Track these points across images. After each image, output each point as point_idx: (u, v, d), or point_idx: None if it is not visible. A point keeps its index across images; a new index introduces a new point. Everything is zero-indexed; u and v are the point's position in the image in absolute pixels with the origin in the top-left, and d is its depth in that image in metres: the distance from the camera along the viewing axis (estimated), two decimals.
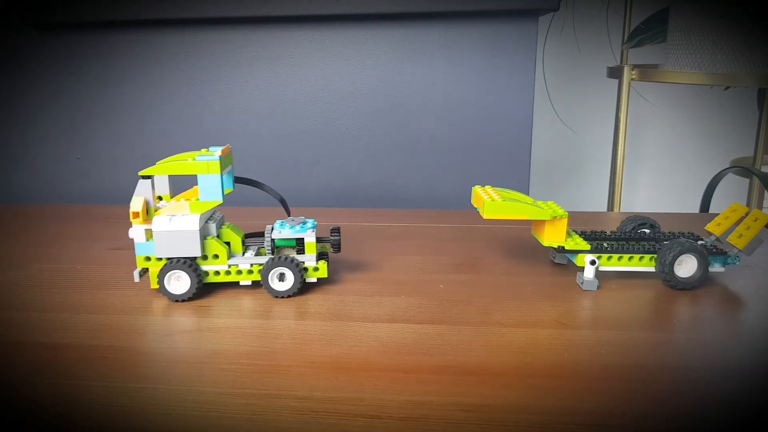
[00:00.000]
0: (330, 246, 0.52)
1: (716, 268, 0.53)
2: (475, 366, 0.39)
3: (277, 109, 0.87)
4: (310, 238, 0.50)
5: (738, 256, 0.52)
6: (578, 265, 0.53)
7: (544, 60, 1.40)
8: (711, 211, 0.95)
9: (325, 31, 0.84)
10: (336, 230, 0.52)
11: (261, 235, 0.53)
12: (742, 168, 0.89)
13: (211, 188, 0.48)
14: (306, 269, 0.51)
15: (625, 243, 0.55)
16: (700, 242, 0.54)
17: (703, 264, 0.51)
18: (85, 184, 0.92)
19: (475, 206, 0.54)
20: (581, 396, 0.36)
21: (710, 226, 0.54)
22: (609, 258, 0.52)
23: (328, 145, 0.88)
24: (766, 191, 1.26)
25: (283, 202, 0.56)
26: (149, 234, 0.49)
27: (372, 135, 0.87)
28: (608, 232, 0.57)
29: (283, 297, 0.50)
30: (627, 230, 0.58)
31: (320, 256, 0.52)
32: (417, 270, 0.56)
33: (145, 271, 0.51)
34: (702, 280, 0.51)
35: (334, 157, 0.88)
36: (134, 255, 0.61)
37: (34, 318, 0.46)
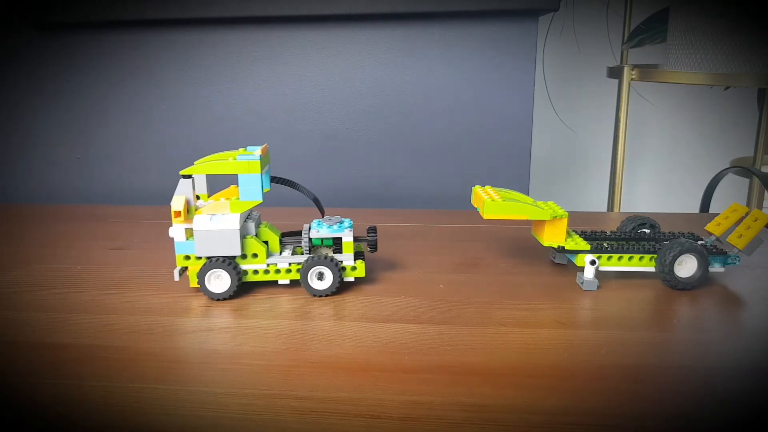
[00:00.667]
0: (366, 245, 0.52)
1: (716, 268, 0.53)
2: (474, 366, 0.39)
3: (277, 109, 0.87)
4: (347, 238, 0.50)
5: (738, 256, 0.52)
6: (578, 265, 0.53)
7: (544, 60, 1.40)
8: (711, 211, 0.95)
9: (325, 31, 0.84)
10: (372, 230, 0.52)
11: (297, 234, 0.54)
12: (742, 168, 0.89)
13: (252, 188, 0.49)
14: (344, 268, 0.51)
15: (625, 243, 0.55)
16: (700, 242, 0.54)
17: (703, 264, 0.51)
18: (85, 184, 0.92)
19: (475, 206, 0.54)
20: (581, 396, 0.36)
21: (710, 226, 0.54)
22: (609, 258, 0.52)
23: (328, 145, 0.88)
24: (766, 191, 1.26)
25: (317, 202, 0.56)
26: (189, 233, 0.49)
27: (372, 135, 0.87)
28: (608, 232, 0.57)
29: (321, 296, 0.50)
30: (627, 230, 0.58)
31: (356, 255, 0.52)
32: (417, 270, 0.56)
33: (184, 270, 0.51)
34: (702, 280, 0.51)
35: (334, 157, 0.88)
36: (135, 255, 0.61)
37: (34, 318, 0.46)
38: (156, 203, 0.91)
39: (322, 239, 0.51)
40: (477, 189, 0.54)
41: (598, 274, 0.53)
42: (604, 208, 1.41)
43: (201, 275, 0.49)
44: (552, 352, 0.41)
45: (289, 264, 0.50)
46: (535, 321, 0.46)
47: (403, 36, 0.83)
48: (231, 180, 0.52)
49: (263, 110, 0.87)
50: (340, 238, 0.51)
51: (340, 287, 0.51)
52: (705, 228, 0.55)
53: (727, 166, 1.34)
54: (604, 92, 1.41)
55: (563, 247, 0.53)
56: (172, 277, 0.55)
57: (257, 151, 0.49)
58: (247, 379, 0.38)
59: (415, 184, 0.89)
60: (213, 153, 0.93)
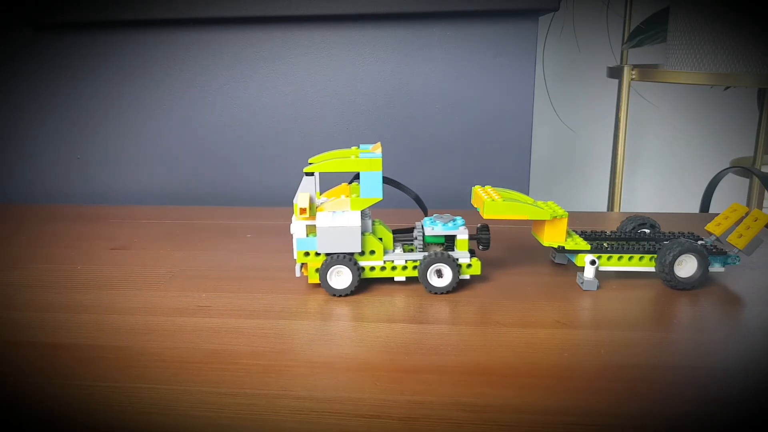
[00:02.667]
0: (478, 243, 0.52)
1: (716, 268, 0.53)
2: (475, 366, 0.39)
3: (277, 109, 0.87)
4: (462, 235, 0.51)
5: (738, 256, 0.52)
6: (578, 265, 0.53)
7: (544, 60, 1.40)
8: (711, 211, 0.95)
9: (325, 31, 0.84)
10: (485, 228, 0.52)
11: (405, 231, 0.54)
12: (742, 168, 0.89)
13: (373, 185, 0.49)
14: (460, 266, 0.51)
15: (625, 243, 0.55)
16: (700, 242, 0.54)
17: (703, 264, 0.51)
18: (85, 184, 0.92)
19: (475, 206, 0.54)
20: (581, 396, 0.36)
21: (710, 226, 0.54)
22: (609, 258, 0.52)
23: (328, 145, 0.88)
24: (766, 191, 1.26)
25: (419, 201, 0.56)
26: (310, 230, 0.50)
27: (372, 135, 0.87)
28: (608, 232, 0.57)
29: (440, 293, 0.50)
30: (627, 230, 0.58)
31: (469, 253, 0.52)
32: None
33: (302, 266, 0.51)
34: (702, 280, 0.51)
35: None
36: (135, 255, 0.61)
37: (34, 318, 0.46)
38: (156, 203, 0.91)
39: (434, 237, 0.51)
40: (477, 189, 0.54)
41: (598, 274, 0.53)
42: (604, 208, 1.41)
43: (323, 271, 0.49)
44: (552, 352, 0.41)
45: (406, 261, 0.51)
46: (535, 321, 0.46)
47: (403, 36, 0.83)
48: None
49: (263, 110, 0.87)
50: (453, 236, 0.51)
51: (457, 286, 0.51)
52: (705, 228, 0.55)
53: (727, 166, 1.34)
54: (604, 92, 1.41)
55: (563, 247, 0.53)
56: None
57: (372, 148, 0.49)
58: (247, 379, 0.38)
59: (415, 184, 0.89)
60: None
